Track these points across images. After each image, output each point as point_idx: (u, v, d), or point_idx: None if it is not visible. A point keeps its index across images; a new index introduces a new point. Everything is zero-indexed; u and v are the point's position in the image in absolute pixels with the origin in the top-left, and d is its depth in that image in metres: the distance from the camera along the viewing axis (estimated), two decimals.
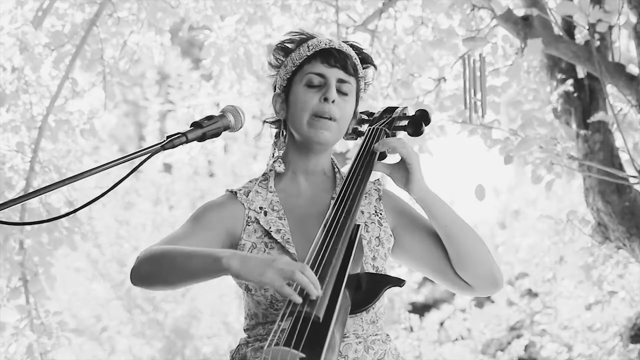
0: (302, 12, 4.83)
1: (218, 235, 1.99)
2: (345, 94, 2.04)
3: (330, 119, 2.00)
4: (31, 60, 4.10)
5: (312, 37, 2.08)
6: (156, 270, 1.87)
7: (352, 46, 2.10)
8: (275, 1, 4.71)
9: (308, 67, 2.04)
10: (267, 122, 2.14)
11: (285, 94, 2.08)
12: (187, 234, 1.97)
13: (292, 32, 2.12)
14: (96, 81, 4.38)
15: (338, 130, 2.03)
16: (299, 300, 1.67)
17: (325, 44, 2.04)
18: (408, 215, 2.08)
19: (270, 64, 2.12)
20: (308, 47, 2.05)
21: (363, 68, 2.11)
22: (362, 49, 2.12)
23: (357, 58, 2.09)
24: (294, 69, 2.06)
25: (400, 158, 2.01)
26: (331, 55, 2.03)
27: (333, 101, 2.00)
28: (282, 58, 2.09)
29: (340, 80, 2.03)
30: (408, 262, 2.08)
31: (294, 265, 1.70)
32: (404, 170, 2.00)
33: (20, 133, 4.19)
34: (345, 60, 2.04)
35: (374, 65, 2.14)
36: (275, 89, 2.12)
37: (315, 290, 1.68)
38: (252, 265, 1.72)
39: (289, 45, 2.08)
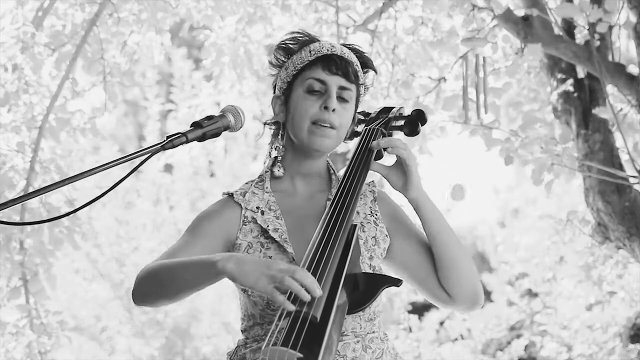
0: (302, 12, 4.83)
1: (216, 241, 1.98)
2: (346, 101, 2.02)
3: (330, 127, 1.99)
4: (32, 60, 4.10)
5: (314, 40, 2.06)
6: (156, 286, 1.87)
7: (353, 50, 2.08)
8: (275, 1, 4.71)
9: (309, 72, 2.01)
10: (267, 124, 2.12)
11: (285, 96, 2.06)
12: (185, 246, 1.96)
13: (294, 32, 2.09)
14: (96, 81, 4.38)
15: (337, 137, 2.02)
16: (292, 308, 1.67)
17: (328, 50, 2.02)
18: (401, 221, 2.07)
19: (271, 63, 2.10)
20: (310, 51, 2.03)
21: (364, 72, 2.09)
22: (363, 52, 2.10)
23: (359, 64, 2.07)
24: (294, 72, 2.04)
25: (395, 160, 2.01)
26: (333, 62, 2.01)
27: (333, 110, 1.99)
28: (283, 58, 2.07)
29: (341, 88, 2.01)
30: (393, 267, 2.06)
31: (286, 270, 1.69)
32: (400, 172, 2.00)
33: (21, 133, 4.19)
34: (347, 67, 2.01)
35: (374, 70, 2.13)
36: (275, 89, 2.10)
37: (306, 295, 1.67)
38: (248, 270, 1.72)
39: (291, 46, 2.06)
